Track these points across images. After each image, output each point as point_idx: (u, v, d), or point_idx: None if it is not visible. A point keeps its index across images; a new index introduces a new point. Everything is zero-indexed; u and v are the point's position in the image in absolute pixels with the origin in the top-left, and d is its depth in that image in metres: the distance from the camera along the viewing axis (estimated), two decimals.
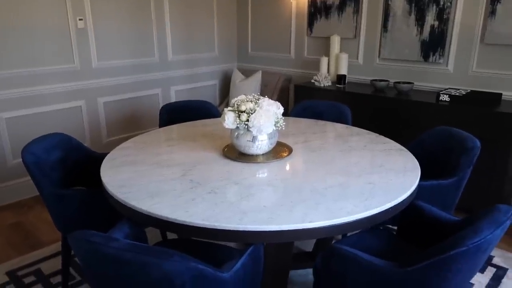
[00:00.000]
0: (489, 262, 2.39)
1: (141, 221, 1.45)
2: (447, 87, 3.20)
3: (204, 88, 4.46)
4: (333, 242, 2.05)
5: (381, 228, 1.93)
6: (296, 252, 2.47)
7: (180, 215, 1.36)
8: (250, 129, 1.78)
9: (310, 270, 2.29)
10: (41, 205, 3.07)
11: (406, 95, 3.16)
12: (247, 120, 1.78)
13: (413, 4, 3.24)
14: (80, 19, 3.29)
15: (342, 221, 1.35)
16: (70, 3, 3.20)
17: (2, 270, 2.32)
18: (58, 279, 2.24)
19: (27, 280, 2.24)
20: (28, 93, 3.12)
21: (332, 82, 3.69)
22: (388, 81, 3.36)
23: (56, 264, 2.35)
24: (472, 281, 2.21)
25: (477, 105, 2.77)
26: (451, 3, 3.06)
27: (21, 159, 1.86)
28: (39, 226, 2.83)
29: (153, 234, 2.39)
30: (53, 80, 3.24)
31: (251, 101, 1.84)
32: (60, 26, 3.20)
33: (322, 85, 3.60)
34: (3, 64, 2.96)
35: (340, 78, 3.57)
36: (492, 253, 2.45)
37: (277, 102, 1.89)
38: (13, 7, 2.93)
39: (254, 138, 1.83)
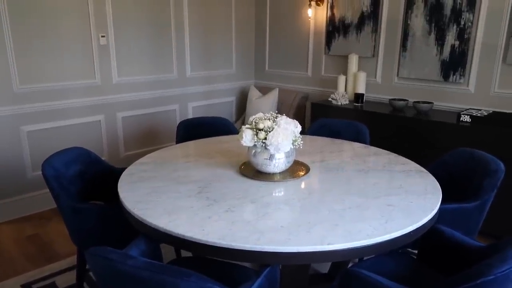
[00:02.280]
0: None
1: (157, 238, 1.44)
2: (467, 107, 3.15)
3: (221, 105, 4.49)
4: (350, 265, 2.00)
5: (400, 251, 1.88)
6: (312, 274, 2.41)
7: (196, 233, 1.35)
8: (268, 147, 1.77)
9: None
10: (58, 218, 3.10)
11: (425, 115, 3.11)
12: (265, 138, 1.78)
13: (433, 24, 3.23)
14: (102, 36, 3.38)
15: (362, 244, 1.31)
16: (93, 21, 3.30)
17: (17, 282, 2.33)
18: None
19: None
20: (49, 107, 3.19)
21: (350, 101, 3.67)
22: (407, 100, 3.32)
23: (71, 278, 2.36)
24: None
25: (500, 126, 2.70)
26: (472, 23, 3.04)
27: (40, 172, 1.89)
28: (55, 239, 2.85)
29: (166, 250, 2.37)
30: (75, 95, 3.32)
31: (269, 119, 1.84)
32: (84, 43, 3.29)
33: (339, 103, 3.58)
34: (28, 78, 3.04)
35: (358, 97, 3.55)
36: None
37: (295, 120, 1.89)
38: (39, 25, 3.03)
39: (271, 157, 1.82)
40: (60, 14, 3.12)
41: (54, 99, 3.20)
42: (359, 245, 1.31)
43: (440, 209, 1.64)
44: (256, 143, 1.80)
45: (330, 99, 3.68)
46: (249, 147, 1.87)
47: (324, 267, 2.44)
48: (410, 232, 1.41)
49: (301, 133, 1.93)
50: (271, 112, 1.91)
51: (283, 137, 1.77)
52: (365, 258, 1.79)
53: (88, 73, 3.37)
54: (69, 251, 2.67)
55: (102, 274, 1.13)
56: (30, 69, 3.04)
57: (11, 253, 2.66)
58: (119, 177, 1.88)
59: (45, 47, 3.09)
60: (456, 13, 3.09)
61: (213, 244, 1.31)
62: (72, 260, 2.53)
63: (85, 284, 2.27)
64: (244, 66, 4.62)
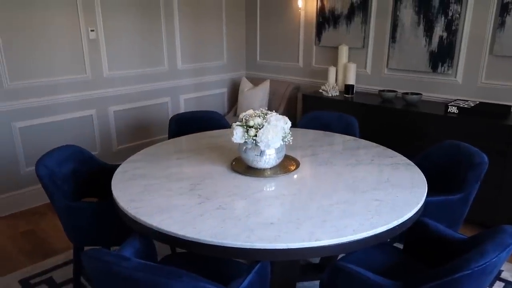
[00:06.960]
0: (497, 276, 2.38)
1: (151, 236, 1.49)
2: (455, 98, 3.20)
3: (212, 97, 4.51)
4: (339, 256, 2.06)
5: (388, 242, 1.94)
6: (303, 264, 2.48)
7: (188, 232, 1.39)
8: (258, 144, 1.81)
9: (316, 282, 2.30)
10: (53, 213, 3.13)
11: (414, 106, 3.16)
12: (255, 135, 1.81)
13: (422, 15, 3.25)
14: (92, 30, 3.36)
15: (348, 240, 1.36)
16: (82, 15, 3.27)
17: (15, 278, 2.37)
18: None
19: None
20: (41, 103, 3.19)
21: (340, 92, 3.70)
22: (396, 91, 3.37)
23: (67, 272, 2.40)
24: None
25: (486, 117, 2.76)
26: (459, 14, 3.07)
27: (33, 167, 1.91)
28: (51, 234, 2.88)
29: (161, 245, 2.43)
30: (66, 90, 3.31)
31: (259, 116, 1.87)
32: (73, 37, 3.27)
33: (330, 95, 3.62)
34: (18, 75, 3.03)
35: (348, 88, 3.59)
36: (502, 268, 2.44)
37: (284, 117, 1.92)
38: (27, 20, 3.00)
39: (262, 153, 1.86)
40: (48, 8, 3.09)
41: (45, 94, 3.20)
42: (345, 240, 1.36)
43: (425, 201, 1.70)
44: (246, 140, 1.84)
45: (320, 90, 3.71)
46: (240, 144, 1.91)
47: (315, 258, 2.51)
48: (395, 226, 1.47)
49: (293, 125, 1.96)
50: (261, 108, 1.94)
51: (273, 134, 1.81)
52: None
53: (79, 67, 3.36)
54: (65, 246, 2.70)
55: (98, 275, 1.17)
56: (20, 65, 3.03)
57: (7, 249, 2.69)
58: (112, 174, 1.91)
59: (34, 42, 3.07)
60: (444, 5, 3.12)
61: (205, 242, 1.35)
62: (68, 254, 2.57)
63: (82, 279, 2.32)
64: (235, 57, 4.62)
